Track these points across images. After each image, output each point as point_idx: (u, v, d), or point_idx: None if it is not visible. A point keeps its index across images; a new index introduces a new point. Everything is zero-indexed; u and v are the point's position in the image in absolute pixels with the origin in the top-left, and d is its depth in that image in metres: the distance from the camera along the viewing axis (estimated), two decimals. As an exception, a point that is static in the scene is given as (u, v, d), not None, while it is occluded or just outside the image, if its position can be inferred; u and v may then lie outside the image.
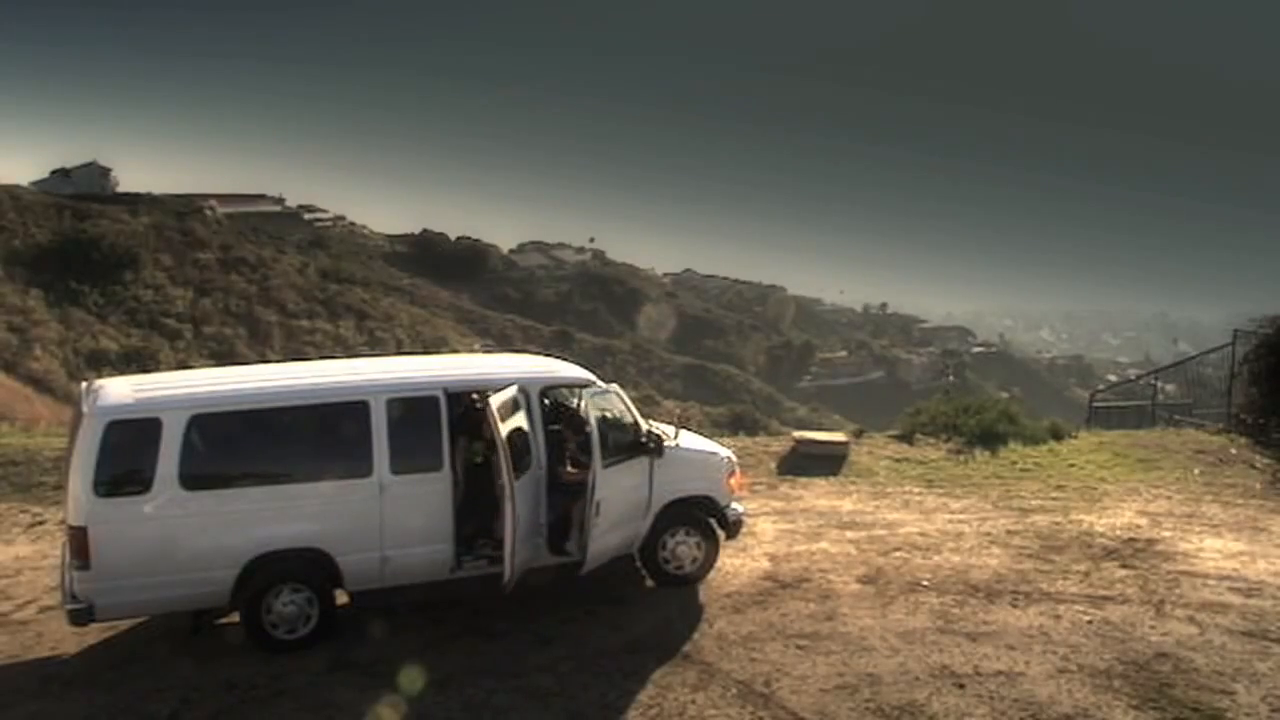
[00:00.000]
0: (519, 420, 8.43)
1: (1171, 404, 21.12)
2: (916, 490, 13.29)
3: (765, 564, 10.04)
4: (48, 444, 13.62)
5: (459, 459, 8.61)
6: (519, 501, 8.02)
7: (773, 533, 11.08)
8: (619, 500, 8.63)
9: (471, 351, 47.48)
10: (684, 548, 9.33)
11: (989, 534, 11.17)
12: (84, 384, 8.50)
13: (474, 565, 8.62)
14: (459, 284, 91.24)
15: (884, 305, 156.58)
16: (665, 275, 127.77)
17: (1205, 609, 8.98)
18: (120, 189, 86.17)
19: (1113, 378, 68.54)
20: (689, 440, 9.69)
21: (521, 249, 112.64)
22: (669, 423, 9.83)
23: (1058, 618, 8.73)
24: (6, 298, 54.76)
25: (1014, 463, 14.78)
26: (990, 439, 15.51)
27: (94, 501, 7.49)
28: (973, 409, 16.49)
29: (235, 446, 8.05)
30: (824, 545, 10.69)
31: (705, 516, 9.46)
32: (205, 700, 7.27)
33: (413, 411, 8.36)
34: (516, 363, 10.03)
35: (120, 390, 8.10)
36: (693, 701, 7.29)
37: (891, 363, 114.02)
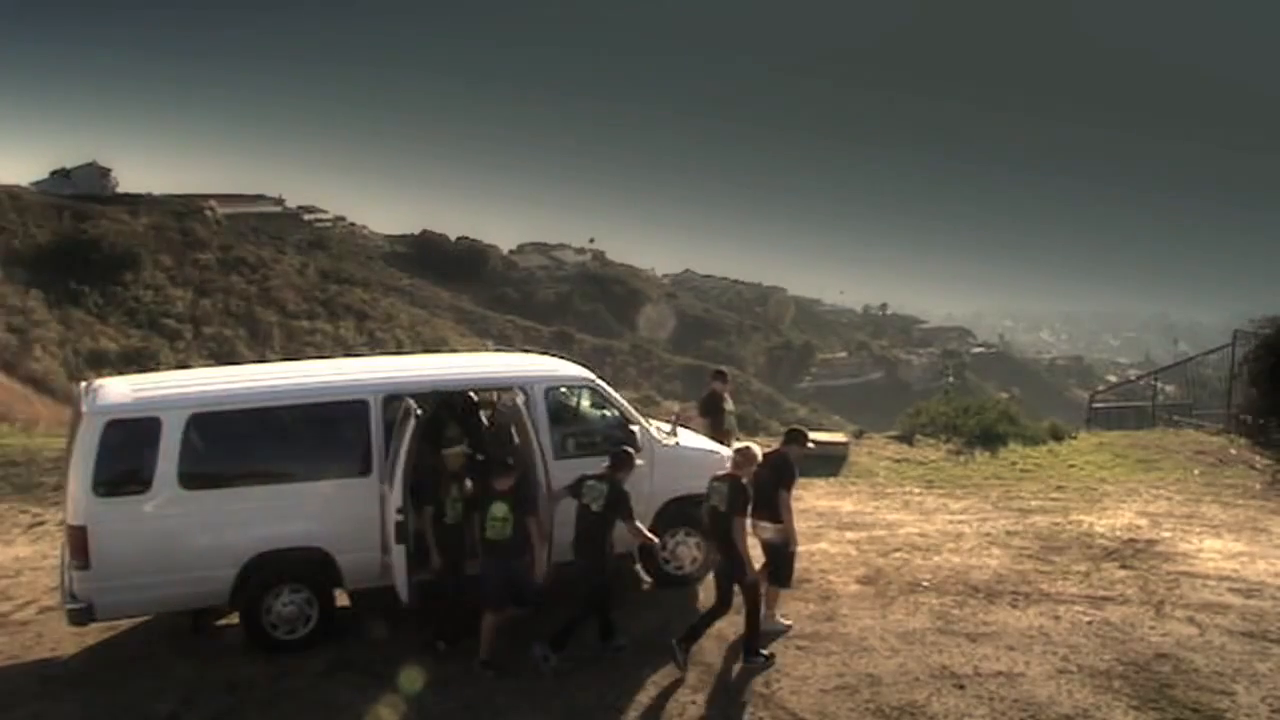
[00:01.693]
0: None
1: (1171, 404, 21.07)
2: (916, 491, 13.28)
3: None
4: (48, 444, 13.62)
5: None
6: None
7: (773, 533, 11.05)
8: None
9: (479, 350, 47.47)
10: (683, 548, 9.31)
11: (989, 535, 11.16)
12: (83, 384, 8.49)
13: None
14: (459, 284, 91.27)
15: (884, 305, 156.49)
16: (665, 275, 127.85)
17: (1205, 609, 8.96)
18: (120, 189, 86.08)
19: (1113, 378, 68.48)
20: (688, 439, 9.68)
21: (521, 249, 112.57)
22: (667, 421, 9.82)
23: (1058, 618, 8.72)
24: (6, 298, 54.77)
25: (1014, 463, 14.78)
26: (990, 439, 15.51)
27: (93, 501, 7.48)
28: (973, 410, 16.51)
29: (235, 446, 8.03)
30: (824, 546, 10.69)
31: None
32: (205, 700, 7.27)
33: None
34: (518, 362, 10.03)
35: (119, 390, 8.10)
36: (693, 702, 7.29)
37: (891, 363, 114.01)
